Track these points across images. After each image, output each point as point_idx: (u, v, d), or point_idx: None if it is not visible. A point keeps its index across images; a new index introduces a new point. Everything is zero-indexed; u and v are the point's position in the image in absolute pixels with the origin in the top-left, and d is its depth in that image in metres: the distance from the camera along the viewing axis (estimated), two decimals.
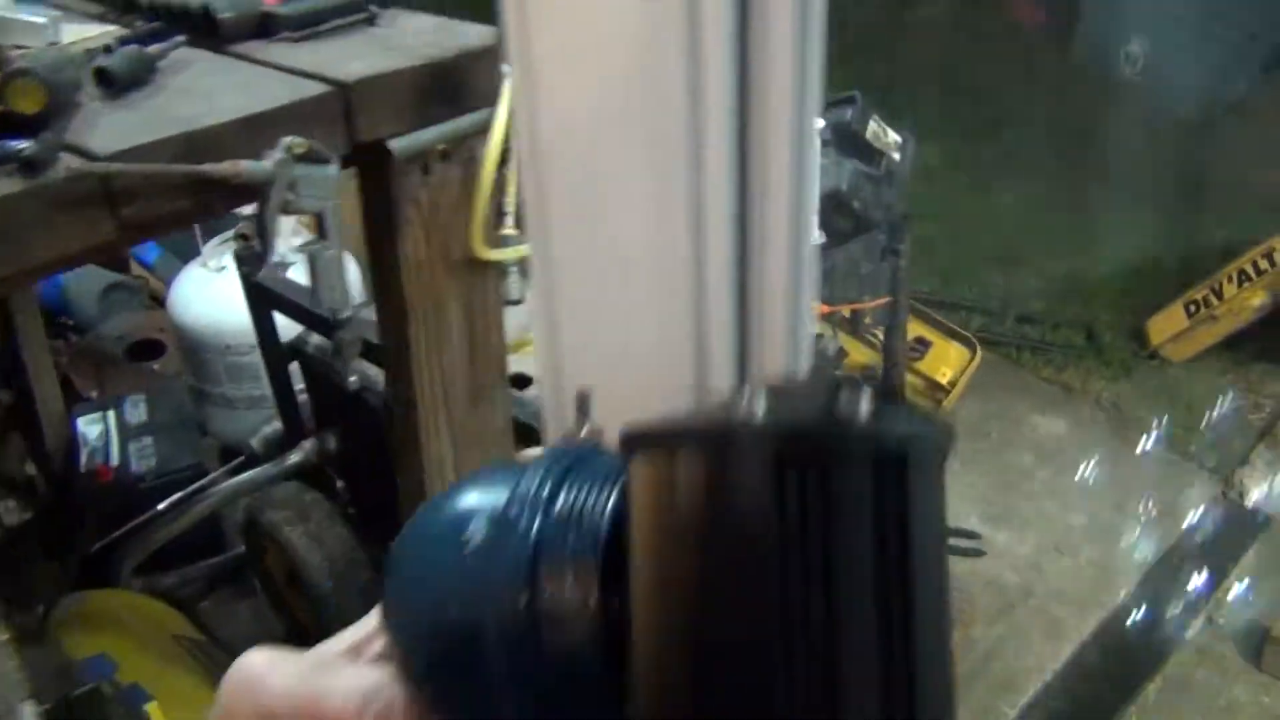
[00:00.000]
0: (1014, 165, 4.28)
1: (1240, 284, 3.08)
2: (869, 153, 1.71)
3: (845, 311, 1.74)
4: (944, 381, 1.95)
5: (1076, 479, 2.84)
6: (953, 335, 2.02)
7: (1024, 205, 4.06)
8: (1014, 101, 4.69)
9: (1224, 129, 4.59)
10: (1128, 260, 3.81)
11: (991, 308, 3.51)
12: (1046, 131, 4.51)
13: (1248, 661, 2.37)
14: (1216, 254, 3.87)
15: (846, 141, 1.70)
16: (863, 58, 5.00)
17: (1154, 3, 4.61)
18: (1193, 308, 3.20)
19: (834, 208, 1.70)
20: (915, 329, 2.06)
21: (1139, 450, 2.97)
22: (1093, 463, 2.91)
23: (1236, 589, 2.58)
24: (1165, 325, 3.27)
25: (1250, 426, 3.10)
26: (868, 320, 1.72)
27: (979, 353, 1.94)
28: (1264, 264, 3.03)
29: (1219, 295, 3.13)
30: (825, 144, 1.73)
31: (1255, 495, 2.87)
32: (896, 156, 1.73)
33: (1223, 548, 2.69)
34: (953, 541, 2.58)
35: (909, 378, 2.04)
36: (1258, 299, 3.06)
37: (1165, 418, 3.08)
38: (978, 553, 2.56)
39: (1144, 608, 2.51)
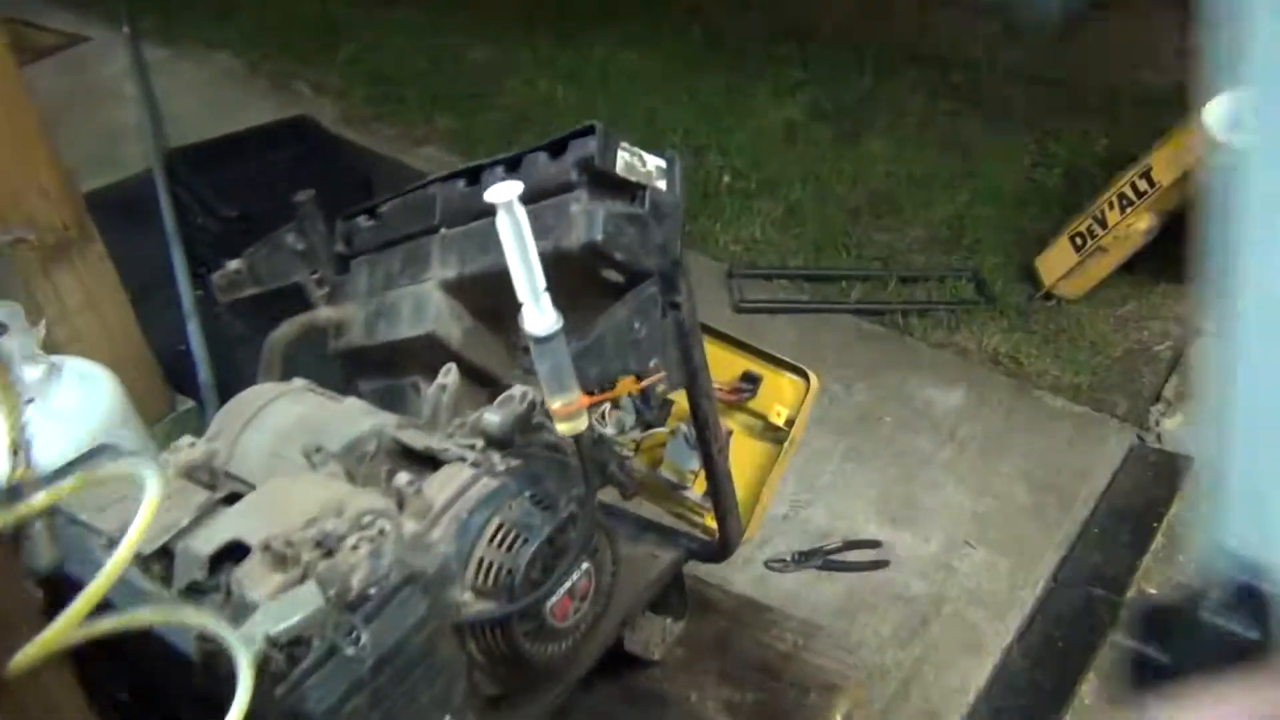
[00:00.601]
0: (878, 108, 4.01)
1: (1123, 209, 2.84)
2: (626, 189, 1.42)
3: (628, 391, 1.45)
4: (780, 422, 1.69)
5: (980, 457, 2.60)
6: (783, 366, 1.75)
7: (894, 150, 3.79)
8: (870, 41, 4.41)
9: (1089, 30, 4.34)
10: (1010, 191, 3.57)
11: (872, 272, 3.24)
12: (908, 67, 4.24)
13: None
14: (1100, 166, 3.65)
15: (597, 181, 1.41)
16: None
17: None
18: (1079, 240, 2.95)
19: (592, 264, 1.40)
20: (740, 363, 1.79)
21: (1044, 410, 2.74)
22: (996, 434, 2.67)
23: (1164, 550, 2.35)
24: (1054, 263, 3.03)
25: (1158, 359, 2.88)
26: (661, 390, 1.44)
27: (814, 382, 1.68)
28: (1143, 185, 2.79)
29: (1104, 224, 2.89)
30: (572, 186, 1.43)
31: (1172, 435, 2.65)
32: (661, 185, 1.43)
33: (1144, 506, 2.46)
34: (852, 556, 2.33)
35: (741, 417, 1.78)
36: (1144, 222, 2.83)
37: (1067, 367, 2.85)
38: (881, 564, 2.31)
39: (1066, 595, 2.27)
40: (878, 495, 2.49)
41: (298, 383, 1.76)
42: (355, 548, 1.29)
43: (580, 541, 1.38)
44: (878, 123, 3.95)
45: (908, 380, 2.83)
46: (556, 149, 1.49)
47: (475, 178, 1.64)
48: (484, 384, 1.68)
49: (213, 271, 1.89)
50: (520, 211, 1.12)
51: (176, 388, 2.60)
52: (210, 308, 2.72)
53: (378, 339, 1.72)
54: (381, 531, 1.32)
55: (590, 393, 1.27)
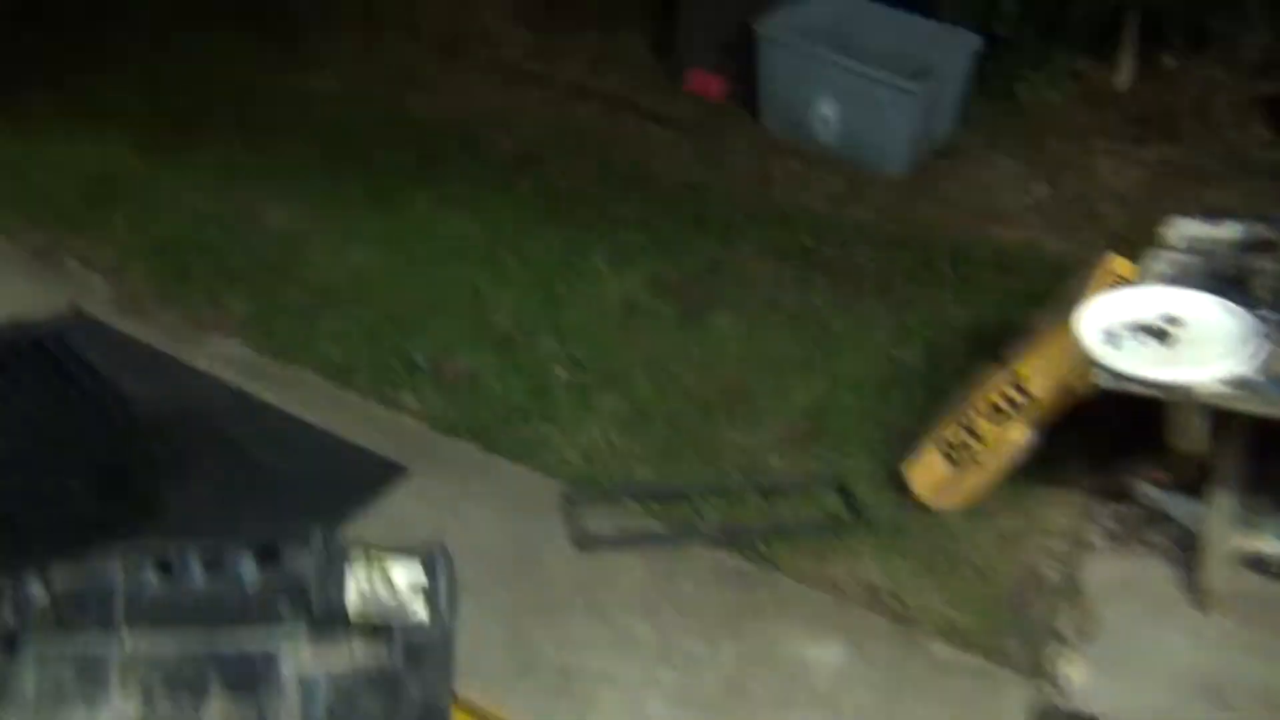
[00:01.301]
0: (724, 277, 3.68)
1: (996, 418, 2.55)
2: (368, 632, 0.96)
3: None
4: None
5: None
6: None
7: (744, 328, 3.46)
8: (712, 197, 4.12)
9: (934, 181, 4.18)
10: (870, 374, 3.26)
11: (728, 485, 2.86)
12: (751, 226, 3.95)
13: None
14: (961, 340, 3.40)
15: (325, 614, 0.95)
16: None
17: (836, 56, 4.16)
18: (950, 452, 2.64)
19: None
20: None
21: (933, 664, 2.37)
22: (883, 703, 2.28)
23: None
24: (925, 474, 2.71)
25: (1048, 585, 2.56)
26: None
27: None
28: (1015, 395, 2.51)
29: (975, 434, 2.59)
30: (285, 620, 0.96)
31: (1075, 688, 2.31)
32: (421, 614, 0.97)
33: None
34: None
35: None
36: (1019, 434, 2.55)
37: (953, 603, 2.50)
38: None
39: None
40: None
41: None
42: None
43: None
44: (725, 294, 3.61)
45: (780, 637, 2.42)
46: (270, 554, 1.03)
47: (167, 566, 1.16)
48: None
49: None
50: None
51: None
52: None
53: None
54: None
55: None
